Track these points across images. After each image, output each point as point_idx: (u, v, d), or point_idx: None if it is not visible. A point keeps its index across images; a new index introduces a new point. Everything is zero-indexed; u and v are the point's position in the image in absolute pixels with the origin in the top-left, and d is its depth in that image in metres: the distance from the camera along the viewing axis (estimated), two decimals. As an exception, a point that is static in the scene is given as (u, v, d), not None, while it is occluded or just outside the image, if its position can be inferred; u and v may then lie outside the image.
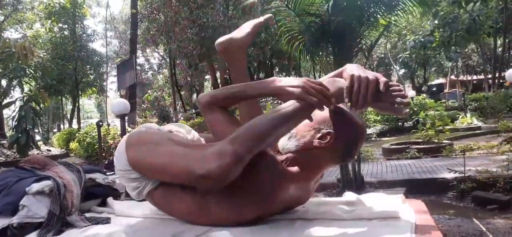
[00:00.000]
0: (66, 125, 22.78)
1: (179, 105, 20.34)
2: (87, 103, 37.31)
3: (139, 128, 1.25)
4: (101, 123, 4.93)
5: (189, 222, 1.13)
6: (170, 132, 1.19)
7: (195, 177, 0.93)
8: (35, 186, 1.19)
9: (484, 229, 2.94)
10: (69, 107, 25.12)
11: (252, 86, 1.08)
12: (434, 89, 27.26)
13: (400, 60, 22.73)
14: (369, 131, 12.06)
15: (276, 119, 0.97)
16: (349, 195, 1.29)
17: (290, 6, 4.12)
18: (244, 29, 1.31)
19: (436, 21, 14.49)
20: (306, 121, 1.06)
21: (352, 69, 0.99)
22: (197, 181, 0.96)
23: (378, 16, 4.22)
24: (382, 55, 24.28)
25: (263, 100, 10.10)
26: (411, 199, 1.27)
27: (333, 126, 1.04)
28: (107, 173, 1.67)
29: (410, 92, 16.32)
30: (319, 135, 1.05)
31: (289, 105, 0.98)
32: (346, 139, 1.05)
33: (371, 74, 0.97)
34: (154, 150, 1.05)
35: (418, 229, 0.97)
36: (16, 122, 5.75)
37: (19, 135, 5.58)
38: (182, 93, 21.74)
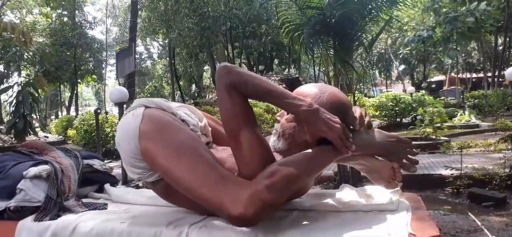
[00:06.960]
0: (64, 113, 22.70)
1: (177, 95, 20.28)
2: (86, 90, 37.14)
3: (146, 102, 1.13)
4: (99, 111, 4.91)
5: (186, 210, 1.13)
6: (185, 125, 1.09)
7: (224, 214, 0.89)
8: (33, 170, 1.20)
9: (479, 223, 2.95)
10: (67, 94, 25.01)
11: (288, 101, 0.97)
12: (434, 86, 27.29)
13: (401, 56, 22.69)
14: (367, 126, 12.00)
15: (313, 168, 0.97)
16: (346, 188, 1.30)
17: (292, -3, 4.10)
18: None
19: (438, 17, 14.41)
20: (288, 117, 1.08)
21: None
22: (224, 217, 0.90)
23: (380, 10, 4.20)
24: (383, 51, 24.22)
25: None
26: (407, 193, 1.28)
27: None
28: (105, 160, 1.67)
29: (409, 88, 16.31)
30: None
31: (323, 152, 0.98)
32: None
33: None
34: (177, 159, 0.96)
35: (413, 221, 0.97)
36: (13, 107, 5.72)
37: (17, 120, 5.55)
38: (181, 83, 21.68)
